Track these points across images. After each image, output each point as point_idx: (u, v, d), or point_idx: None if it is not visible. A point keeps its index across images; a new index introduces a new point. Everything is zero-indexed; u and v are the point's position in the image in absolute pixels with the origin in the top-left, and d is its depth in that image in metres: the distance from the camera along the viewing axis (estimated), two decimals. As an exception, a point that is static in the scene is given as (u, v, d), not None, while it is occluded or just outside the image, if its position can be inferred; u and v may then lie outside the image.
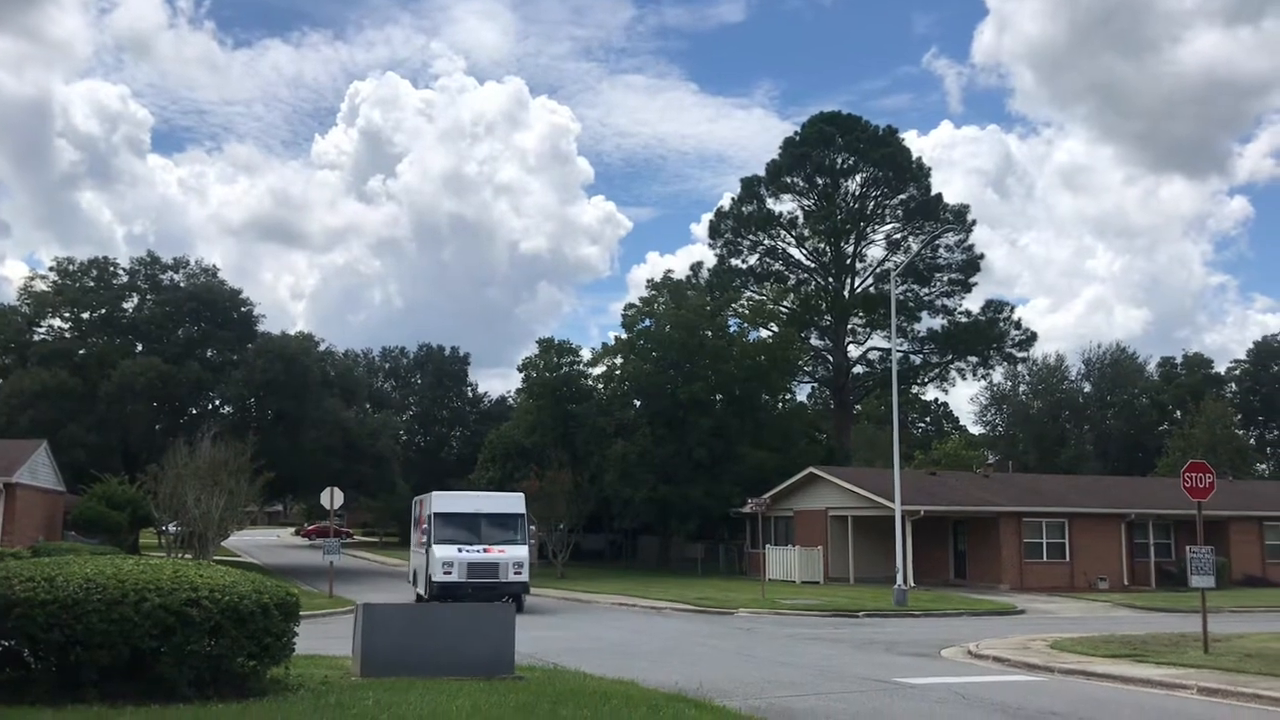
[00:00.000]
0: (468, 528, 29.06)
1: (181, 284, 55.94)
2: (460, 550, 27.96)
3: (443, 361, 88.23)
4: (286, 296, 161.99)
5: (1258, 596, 37.80)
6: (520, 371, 59.67)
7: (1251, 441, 77.95)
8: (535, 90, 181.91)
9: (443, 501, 30.49)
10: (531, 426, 56.01)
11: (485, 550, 28.17)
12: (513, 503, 30.81)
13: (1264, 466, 78.53)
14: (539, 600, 34.29)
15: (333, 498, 35.81)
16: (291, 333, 58.82)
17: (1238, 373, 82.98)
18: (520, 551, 28.54)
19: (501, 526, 29.31)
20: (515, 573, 27.83)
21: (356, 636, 13.72)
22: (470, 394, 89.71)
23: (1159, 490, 46.59)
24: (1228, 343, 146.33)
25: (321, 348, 58.93)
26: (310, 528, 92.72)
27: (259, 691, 11.37)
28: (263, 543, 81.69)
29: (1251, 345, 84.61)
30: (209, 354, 54.69)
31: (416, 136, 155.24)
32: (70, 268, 55.75)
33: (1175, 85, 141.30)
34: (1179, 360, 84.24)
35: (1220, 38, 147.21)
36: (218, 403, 55.65)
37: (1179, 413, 75.39)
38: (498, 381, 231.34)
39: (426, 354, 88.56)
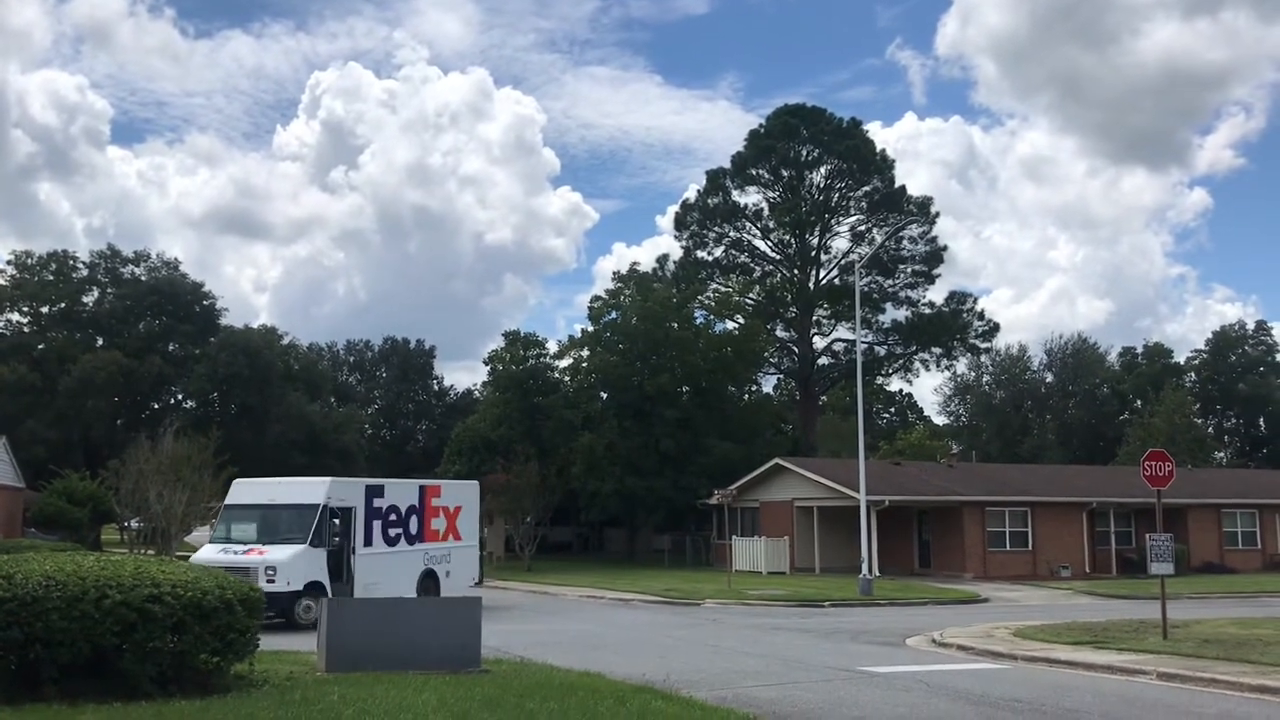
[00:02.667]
0: (251, 522, 24.14)
1: (142, 277, 55.42)
2: (222, 551, 23.13)
3: (408, 354, 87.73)
4: (249, 289, 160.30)
5: (1215, 583, 38.37)
6: (486, 364, 59.57)
7: (1210, 430, 78.94)
8: (499, 81, 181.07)
9: (236, 491, 25.48)
10: (498, 419, 55.83)
11: (246, 552, 22.96)
12: (308, 491, 24.36)
13: (1222, 455, 79.57)
14: (506, 594, 34.24)
15: (297, 492, 35.52)
16: (254, 326, 58.53)
17: (1196, 362, 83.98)
18: (283, 553, 22.65)
19: (285, 521, 23.61)
20: (268, 580, 21.54)
21: (321, 631, 13.67)
22: (436, 387, 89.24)
23: (1120, 479, 47.12)
24: (1188, 332, 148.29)
25: (285, 341, 58.73)
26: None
27: (222, 688, 11.29)
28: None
29: (1210, 335, 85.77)
30: (171, 348, 54.25)
31: (379, 128, 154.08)
32: (29, 261, 55.07)
33: (1135, 77, 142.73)
34: (1139, 350, 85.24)
35: (1179, 29, 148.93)
36: (180, 397, 55.24)
37: (1139, 402, 76.30)
38: (464, 374, 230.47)
39: (391, 347, 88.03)
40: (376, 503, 24.79)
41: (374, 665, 13.03)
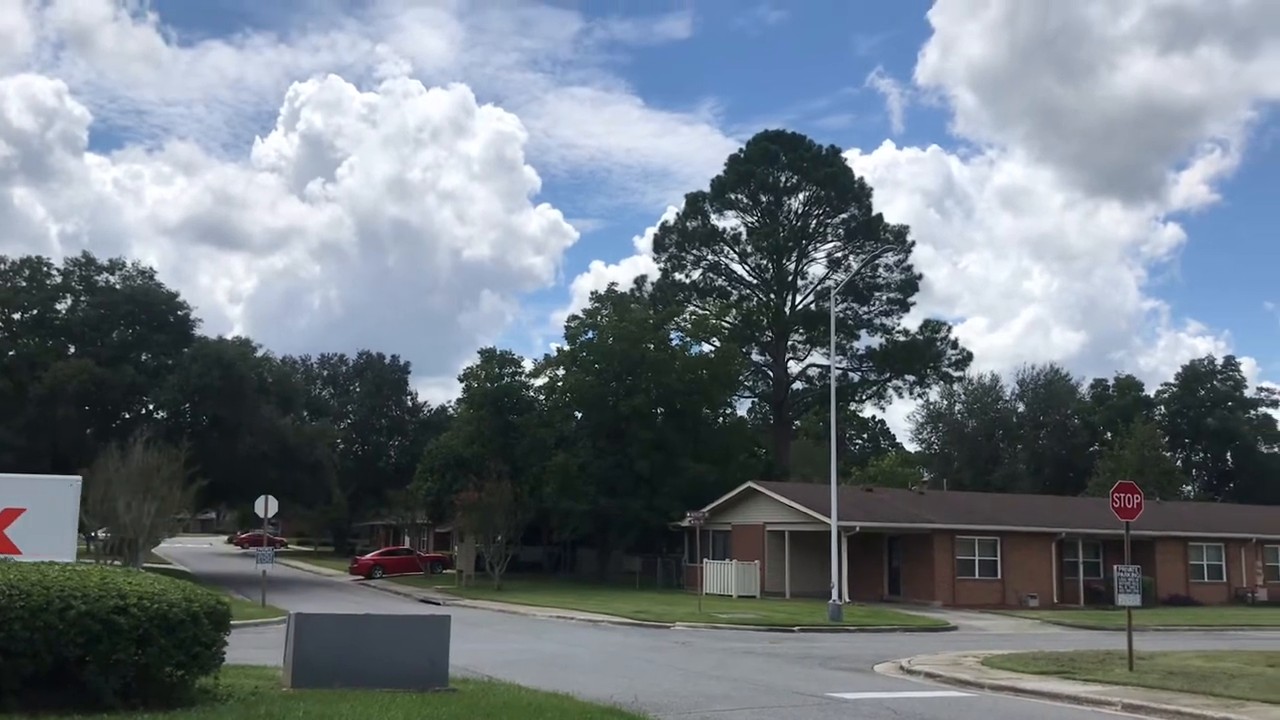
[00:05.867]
0: None
1: (117, 286, 54.93)
2: None
3: (382, 369, 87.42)
4: (223, 300, 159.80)
5: (1181, 615, 38.64)
6: (461, 381, 59.42)
7: (1178, 464, 79.59)
8: (481, 99, 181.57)
9: None
10: (471, 437, 55.68)
11: None
12: None
13: (1190, 488, 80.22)
14: (475, 613, 34.09)
15: (267, 506, 35.42)
16: (229, 337, 58.15)
17: (1166, 396, 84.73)
18: None
19: None
20: None
21: (288, 646, 13.57)
22: (410, 403, 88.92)
23: (1089, 510, 47.43)
24: (1160, 365, 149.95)
25: (259, 353, 58.25)
26: (244, 536, 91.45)
27: (187, 701, 11.20)
28: (195, 550, 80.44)
29: (1180, 369, 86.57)
30: (144, 358, 53.75)
31: (359, 141, 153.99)
32: (1, 267, 54.53)
33: (1112, 110, 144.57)
34: (1111, 382, 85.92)
35: (1154, 64, 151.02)
36: (151, 407, 54.67)
37: (1109, 434, 76.84)
38: (438, 390, 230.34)
39: (366, 361, 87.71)
40: None
41: (340, 682, 12.94)
